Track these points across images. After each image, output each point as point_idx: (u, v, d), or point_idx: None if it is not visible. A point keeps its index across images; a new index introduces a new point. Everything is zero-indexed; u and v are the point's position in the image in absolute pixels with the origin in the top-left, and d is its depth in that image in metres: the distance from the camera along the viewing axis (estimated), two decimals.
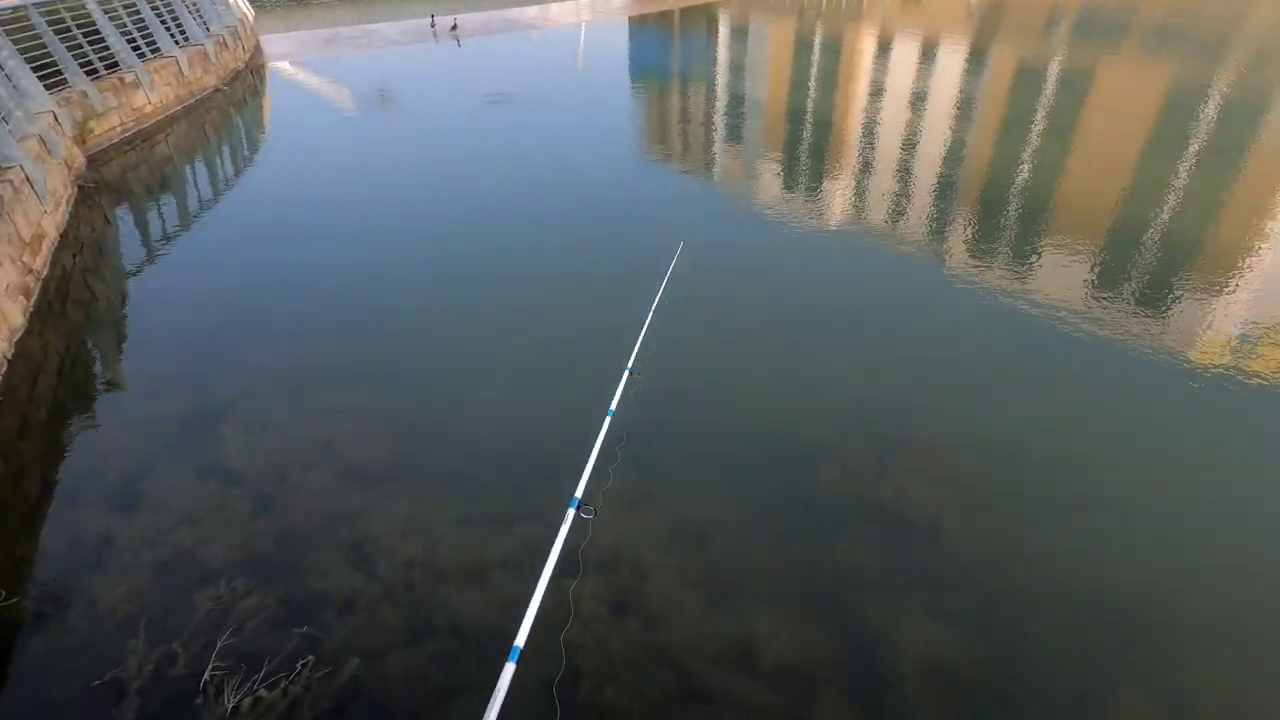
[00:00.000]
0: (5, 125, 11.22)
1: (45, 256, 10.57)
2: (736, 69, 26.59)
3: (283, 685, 4.68)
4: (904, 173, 15.00)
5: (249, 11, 30.22)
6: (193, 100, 20.39)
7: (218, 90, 21.72)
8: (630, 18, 39.03)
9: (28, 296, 9.42)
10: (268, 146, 18.42)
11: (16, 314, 8.91)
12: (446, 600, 5.46)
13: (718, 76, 25.28)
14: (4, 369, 8.05)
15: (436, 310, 9.78)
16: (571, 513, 4.76)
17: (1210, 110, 19.38)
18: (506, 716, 3.63)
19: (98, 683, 4.76)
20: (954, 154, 16.16)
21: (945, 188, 14.19)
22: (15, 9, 15.15)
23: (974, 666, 4.97)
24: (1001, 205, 13.34)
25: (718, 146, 17.50)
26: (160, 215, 13.68)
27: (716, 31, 34.92)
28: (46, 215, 11.18)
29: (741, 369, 8.37)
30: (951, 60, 26.56)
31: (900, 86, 22.64)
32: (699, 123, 19.67)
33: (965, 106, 20.23)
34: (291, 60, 27.96)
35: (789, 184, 14.61)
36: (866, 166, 15.49)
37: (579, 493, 4.94)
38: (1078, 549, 5.87)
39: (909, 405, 7.61)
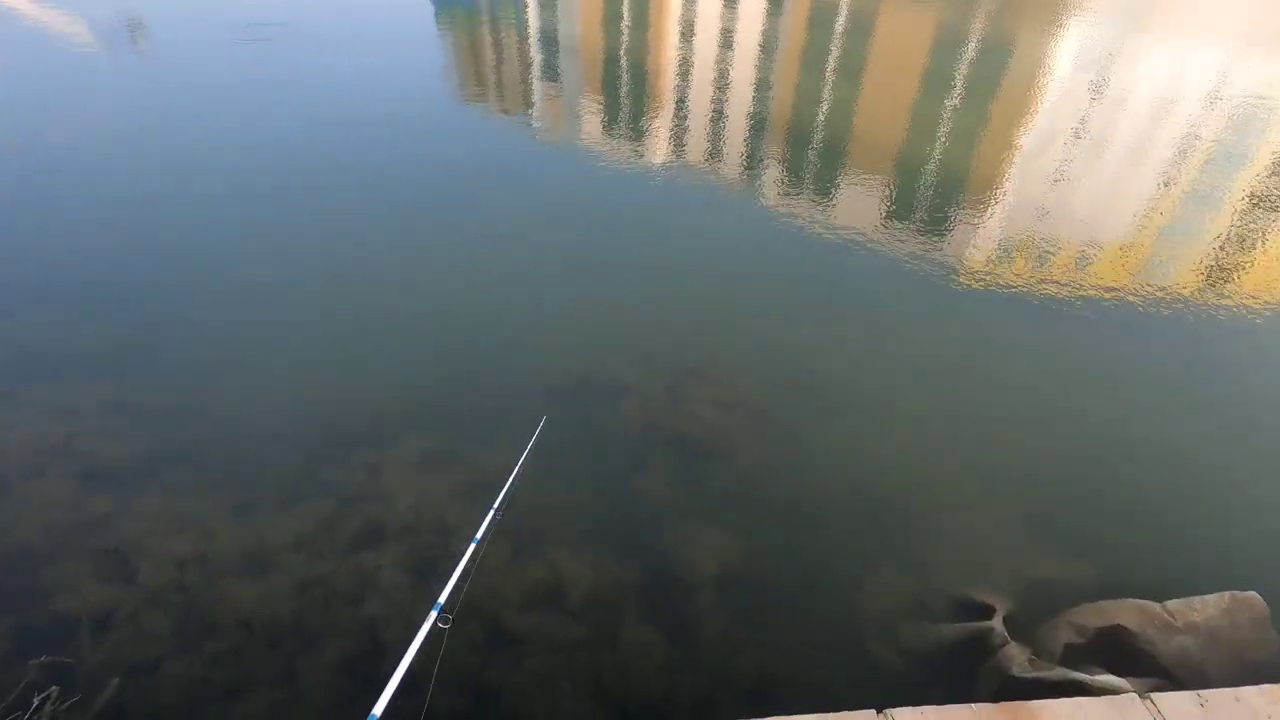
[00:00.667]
0: None
1: None
2: (547, 5, 25.58)
3: None
4: (706, 108, 15.36)
5: None
6: None
7: None
8: None
9: None
10: None
11: None
12: (227, 595, 4.99)
13: (528, 16, 24.19)
14: None
15: (190, 281, 8.59)
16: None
17: (969, 51, 21.64)
18: None
19: None
20: (757, 90, 16.77)
21: (745, 122, 14.72)
22: None
23: (761, 569, 5.41)
24: (793, 139, 14.11)
25: (533, 86, 16.84)
26: None
27: None
28: None
29: (540, 309, 8.28)
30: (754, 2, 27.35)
31: (706, 25, 23.01)
32: (511, 63, 18.77)
33: (767, 46, 21.02)
34: None
35: (602, 121, 14.44)
36: (674, 103, 15.67)
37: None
38: (848, 454, 6.52)
39: (709, 336, 7.95)
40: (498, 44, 20.47)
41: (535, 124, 14.71)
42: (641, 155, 12.93)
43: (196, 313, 7.96)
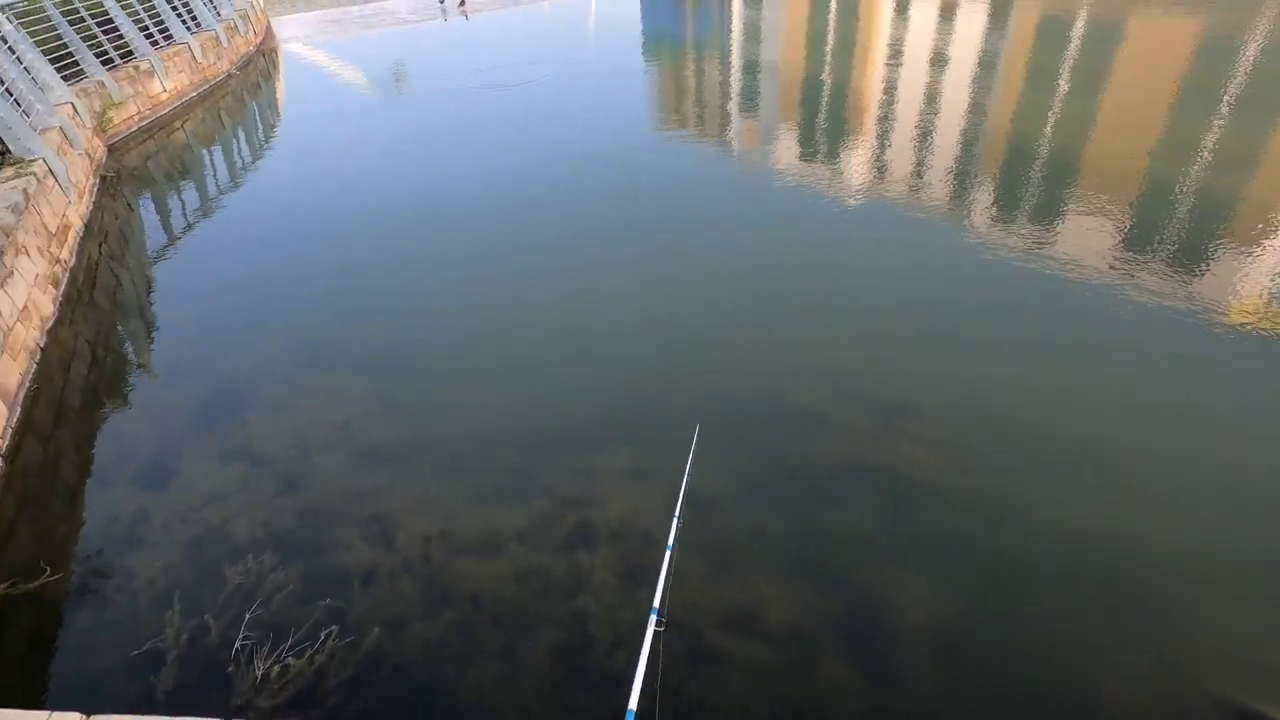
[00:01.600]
0: (26, 119, 11.46)
1: (71, 247, 10.87)
2: (751, 34, 26.06)
3: (308, 654, 4.92)
4: (920, 135, 14.71)
5: None
6: (207, 86, 20.56)
7: (230, 75, 21.87)
8: None
9: (56, 286, 9.73)
10: (282, 130, 18.59)
11: (47, 304, 9.22)
12: (463, 572, 5.66)
13: (731, 42, 24.81)
14: (38, 358, 8.37)
15: (446, 290, 9.90)
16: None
17: (1244, 63, 18.60)
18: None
19: (137, 653, 5.04)
20: (974, 115, 15.77)
21: (961, 151, 13.90)
22: (29, 1, 15.33)
23: (972, 626, 5.05)
24: (1017, 168, 13.04)
25: (732, 113, 17.27)
26: (180, 202, 13.94)
27: None
28: (71, 206, 11.46)
29: (745, 335, 8.40)
30: (973, 17, 25.74)
31: (920, 46, 22.04)
32: (713, 90, 19.39)
33: (988, 65, 19.67)
34: (303, 42, 27.98)
35: (803, 150, 14.41)
36: (882, 129, 15.21)
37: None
38: (1077, 511, 5.87)
39: (919, 370, 7.60)
40: (704, 73, 21.23)
41: (739, 152, 15.04)
42: (844, 182, 12.71)
43: (442, 319, 9.16)
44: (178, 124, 18.04)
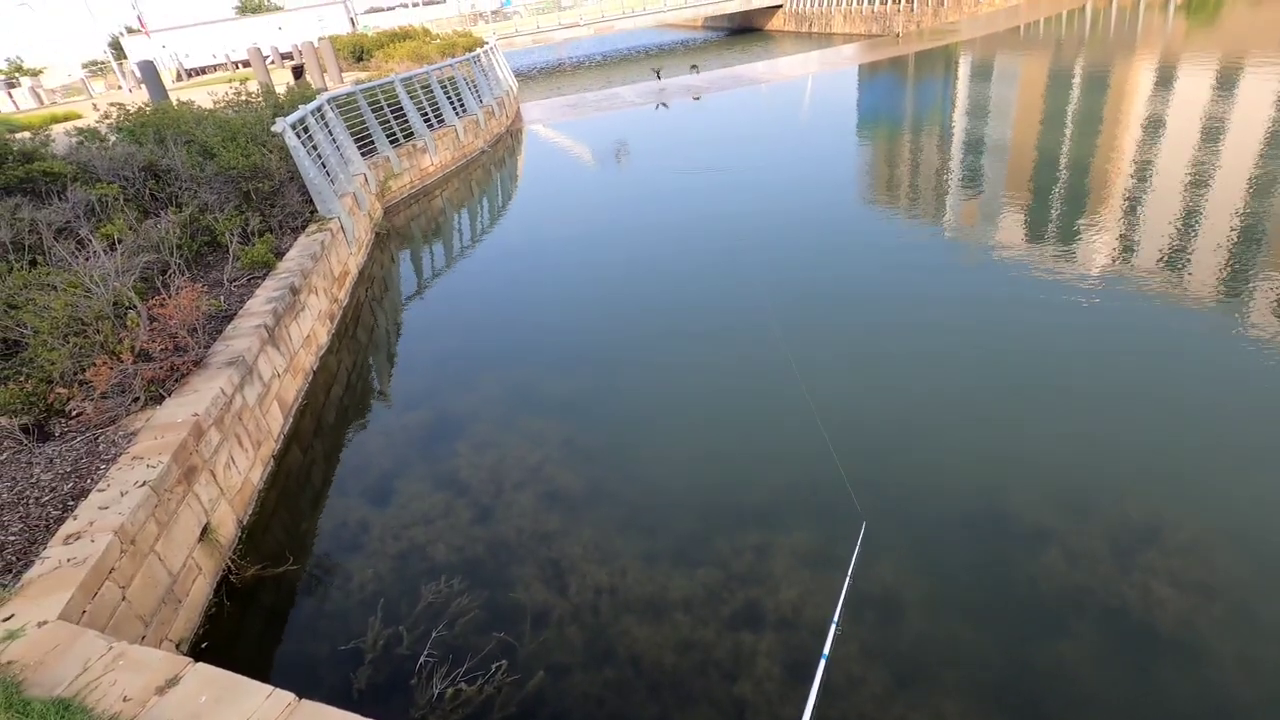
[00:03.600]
0: (332, 186, 14.19)
1: (346, 290, 13.09)
2: (977, 111, 24.84)
3: (479, 683, 5.19)
4: (1181, 219, 12.79)
5: (514, 84, 35.01)
6: (464, 161, 24.03)
7: (483, 151, 25.38)
8: (860, 65, 38.44)
9: (332, 321, 11.73)
10: (517, 198, 21.07)
11: (323, 334, 11.13)
12: (627, 631, 5.67)
13: (954, 120, 23.82)
14: (310, 379, 10.07)
15: (647, 354, 10.31)
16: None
17: None
18: None
19: (344, 648, 5.69)
20: (1253, 194, 13.43)
21: (1238, 240, 11.83)
22: (348, 95, 19.24)
23: None
24: None
25: (950, 193, 16.43)
26: (431, 257, 16.27)
27: (955, 72, 33.00)
28: (351, 256, 13.87)
29: (958, 432, 7.68)
30: (1258, 91, 22.25)
31: (1184, 124, 19.45)
32: (930, 169, 18.66)
33: (1274, 141, 16.77)
34: (543, 123, 31.76)
35: (1033, 235, 13.21)
36: (1132, 215, 13.48)
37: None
38: None
39: (1169, 493, 6.40)
40: (923, 151, 20.54)
41: (957, 233, 14.20)
42: (1086, 269, 11.37)
43: (640, 381, 9.54)
44: (437, 192, 21.22)
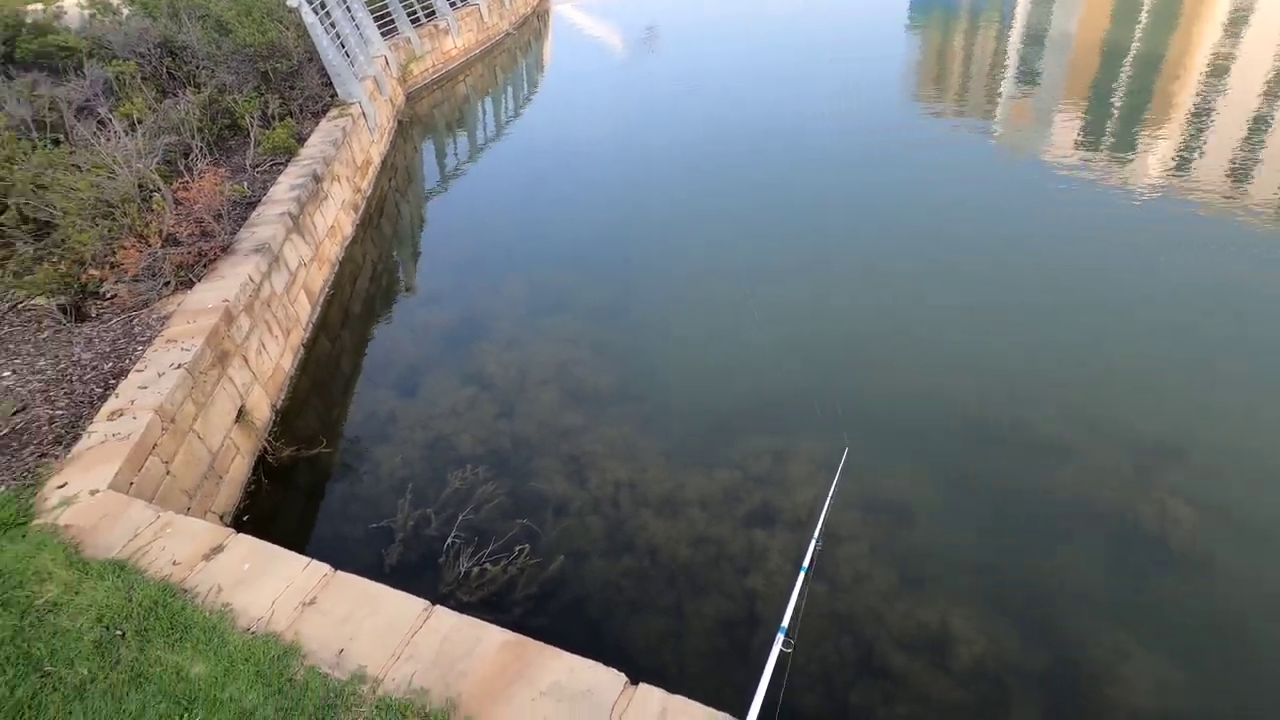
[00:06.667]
0: (352, 68, 13.63)
1: (370, 179, 12.85)
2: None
3: (503, 564, 5.46)
4: (1239, 123, 11.88)
5: None
6: (489, 44, 22.84)
7: (508, 34, 24.05)
8: None
9: (356, 211, 11.60)
10: (545, 87, 20.13)
11: (348, 225, 11.04)
12: (645, 524, 5.88)
13: (1015, 7, 21.90)
14: (336, 269, 10.09)
15: (674, 255, 10.12)
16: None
17: None
18: None
19: (375, 526, 5.98)
20: None
21: None
22: None
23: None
24: None
25: (1004, 91, 15.34)
26: (455, 148, 15.81)
27: None
28: (374, 145, 13.51)
29: (992, 348, 7.54)
30: None
31: (1274, 21, 17.67)
32: (983, 63, 17.36)
33: None
34: (572, 4, 29.83)
35: (1087, 141, 12.39)
36: (1199, 126, 12.52)
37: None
38: None
39: (1200, 413, 6.30)
40: (976, 44, 19.05)
41: (1007, 136, 13.37)
42: (1143, 179, 10.72)
43: (666, 283, 9.40)
44: (460, 77, 20.32)
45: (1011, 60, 17.30)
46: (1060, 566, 5.21)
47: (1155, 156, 11.42)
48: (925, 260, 9.15)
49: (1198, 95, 13.62)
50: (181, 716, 3.39)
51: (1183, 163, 11.13)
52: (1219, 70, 14.85)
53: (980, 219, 10.01)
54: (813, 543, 4.45)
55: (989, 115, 14.22)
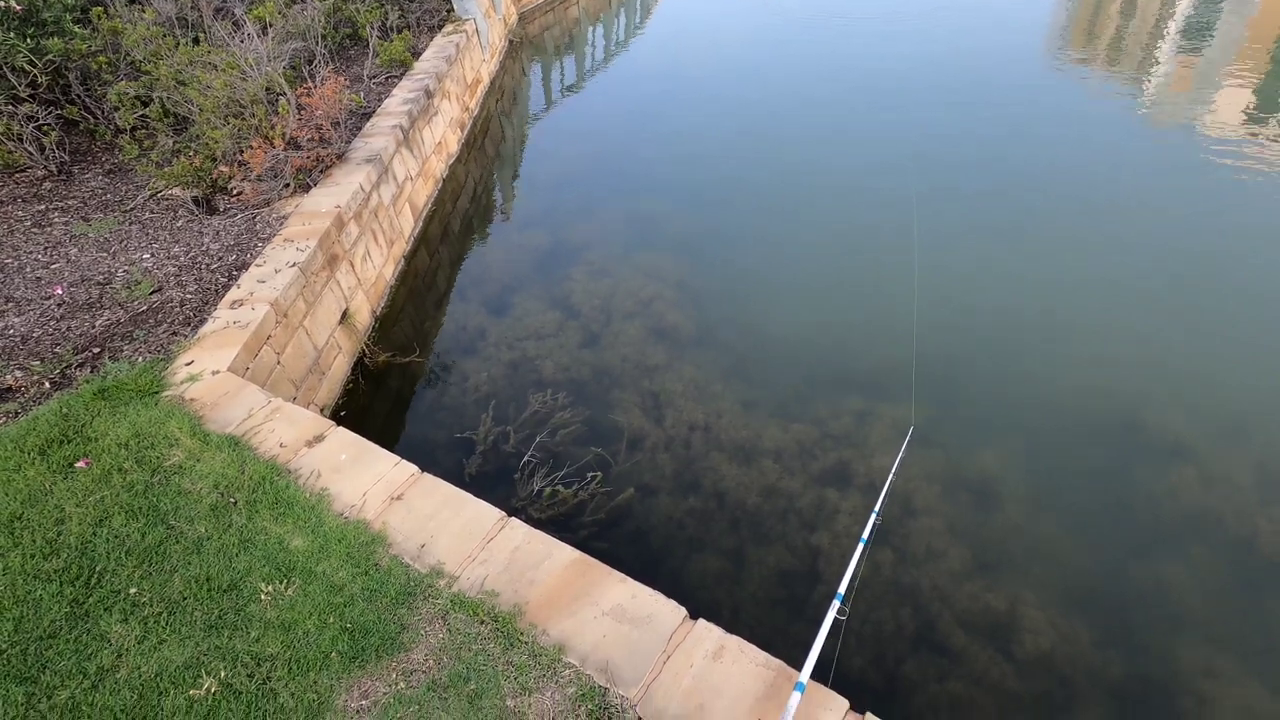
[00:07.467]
0: None
1: (478, 99, 12.95)
2: None
3: (574, 488, 5.65)
4: None
5: None
6: None
7: None
8: None
9: (462, 129, 11.75)
10: (658, 16, 19.48)
11: (454, 142, 11.23)
12: (716, 468, 5.91)
13: None
14: (440, 185, 10.33)
15: (775, 201, 9.79)
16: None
17: None
18: None
19: (458, 436, 6.29)
20: None
21: None
22: None
23: None
24: None
25: (1163, 51, 13.70)
26: (562, 72, 15.64)
27: None
28: (484, 64, 13.54)
29: (1111, 334, 7.00)
30: None
31: None
32: (1145, 17, 15.49)
33: None
34: None
35: (1256, 114, 10.96)
36: None
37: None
38: None
39: None
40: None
41: (1162, 103, 12.00)
42: None
43: (765, 231, 9.15)
44: (574, 0, 19.92)
45: (1178, 15, 15.35)
46: (1152, 574, 4.92)
47: None
48: (1056, 234, 8.48)
49: None
50: (281, 580, 3.74)
51: None
52: None
53: (1125, 193, 9.13)
54: (873, 516, 4.36)
55: (1140, 80, 12.76)
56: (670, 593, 3.70)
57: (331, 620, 3.55)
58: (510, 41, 16.15)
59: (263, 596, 3.66)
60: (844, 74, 13.63)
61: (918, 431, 5.76)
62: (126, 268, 6.49)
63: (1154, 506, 5.34)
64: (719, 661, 3.38)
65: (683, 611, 3.60)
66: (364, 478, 4.38)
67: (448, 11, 13.09)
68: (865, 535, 4.19)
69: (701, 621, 3.57)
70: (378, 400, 6.95)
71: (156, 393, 4.98)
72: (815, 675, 3.22)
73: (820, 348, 7.07)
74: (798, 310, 7.63)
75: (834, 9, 17.43)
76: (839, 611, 3.54)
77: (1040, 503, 5.45)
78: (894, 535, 5.23)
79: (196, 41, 9.95)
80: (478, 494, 4.32)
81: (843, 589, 3.65)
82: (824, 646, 3.33)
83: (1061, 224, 8.60)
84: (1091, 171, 9.63)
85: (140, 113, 8.42)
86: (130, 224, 7.28)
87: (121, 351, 5.46)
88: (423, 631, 3.53)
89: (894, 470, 5.06)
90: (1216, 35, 14.11)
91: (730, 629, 3.54)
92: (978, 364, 6.73)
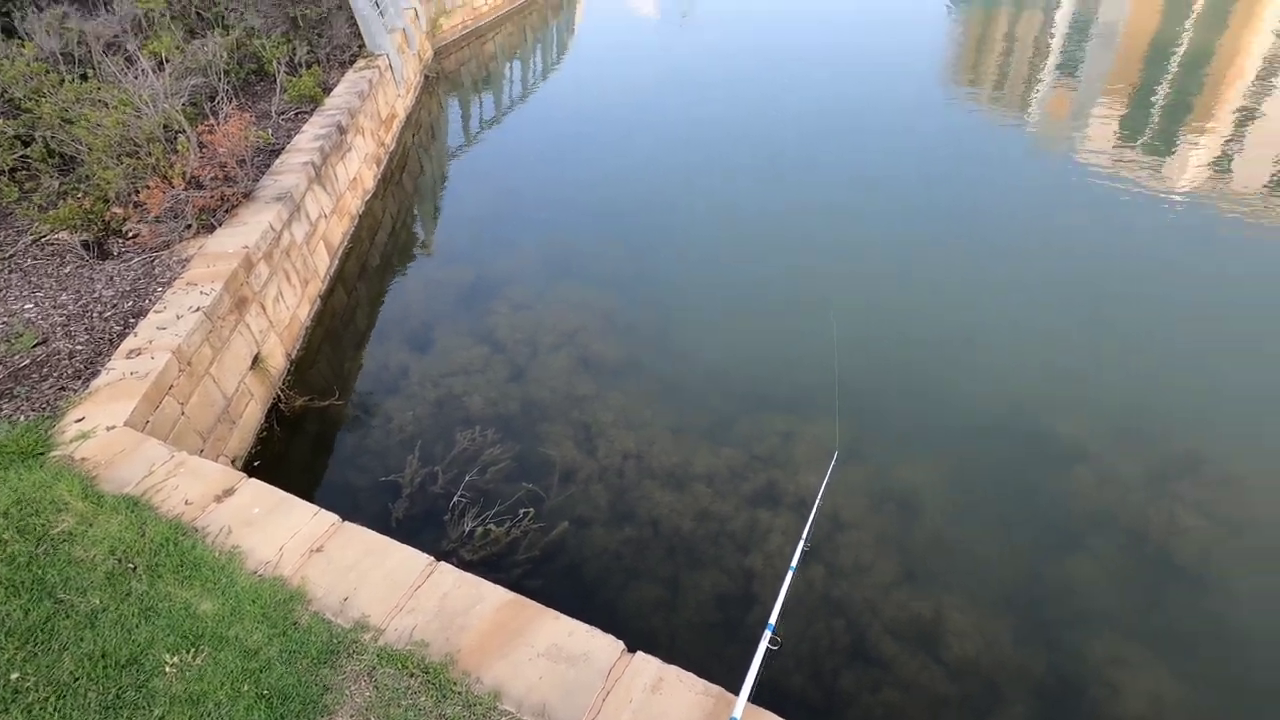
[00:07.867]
0: (382, 19, 13.44)
1: (394, 134, 12.76)
2: None
3: (506, 525, 5.53)
4: None
5: None
6: (521, 2, 22.44)
7: None
8: None
9: (378, 165, 11.54)
10: (572, 50, 19.81)
11: (369, 179, 10.99)
12: (649, 495, 5.91)
13: None
14: (356, 222, 10.07)
15: (694, 230, 10.01)
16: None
17: None
18: None
19: (383, 479, 6.06)
20: None
21: None
22: None
23: None
24: None
25: (1043, 82, 14.96)
26: (480, 107, 15.63)
27: None
28: (400, 99, 13.38)
29: (1012, 346, 7.47)
30: None
31: None
32: (1024, 52, 16.91)
33: None
34: None
35: (1125, 138, 12.09)
36: (1244, 129, 12.17)
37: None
38: None
39: (1223, 421, 6.23)
40: (1017, 32, 18.52)
41: (1043, 130, 13.06)
42: (1166, 181, 10.47)
43: (683, 257, 9.33)
44: (490, 35, 20.02)
45: (1054, 51, 16.82)
46: (1064, 572, 5.21)
47: (1192, 161, 11.13)
48: (957, 254, 9.02)
49: (1240, 102, 13.22)
50: (188, 649, 3.47)
51: (1220, 170, 10.85)
52: (1269, 74, 14.38)
53: (1018, 214, 9.83)
54: (800, 544, 4.43)
55: (1023, 108, 13.88)
56: (607, 626, 3.66)
57: (246, 688, 3.32)
58: (426, 77, 16.05)
59: (168, 669, 3.39)
60: (752, 107, 14.19)
61: (842, 450, 5.95)
62: (5, 319, 6.00)
63: (1058, 507, 5.68)
64: (658, 694, 3.35)
65: (620, 645, 3.56)
66: (280, 531, 4.16)
67: (359, 47, 12.91)
68: (794, 563, 4.23)
69: (640, 654, 3.54)
70: (295, 447, 6.63)
71: (42, 454, 4.59)
72: (755, 699, 3.23)
73: (746, 372, 7.23)
74: (723, 336, 7.79)
75: (739, 48, 18.19)
76: (771, 641, 3.56)
77: (959, 510, 5.70)
78: (824, 550, 5.36)
79: (85, 78, 9.43)
80: (405, 539, 4.17)
81: (773, 619, 3.66)
82: (761, 670, 3.35)
83: (963, 248, 9.16)
84: (989, 198, 10.34)
85: (20, 153, 7.88)
86: (10, 272, 6.75)
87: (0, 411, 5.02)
88: (348, 691, 3.35)
89: (820, 495, 5.15)
90: (1085, 67, 15.53)
91: (669, 658, 3.52)
92: (895, 383, 7.03)
